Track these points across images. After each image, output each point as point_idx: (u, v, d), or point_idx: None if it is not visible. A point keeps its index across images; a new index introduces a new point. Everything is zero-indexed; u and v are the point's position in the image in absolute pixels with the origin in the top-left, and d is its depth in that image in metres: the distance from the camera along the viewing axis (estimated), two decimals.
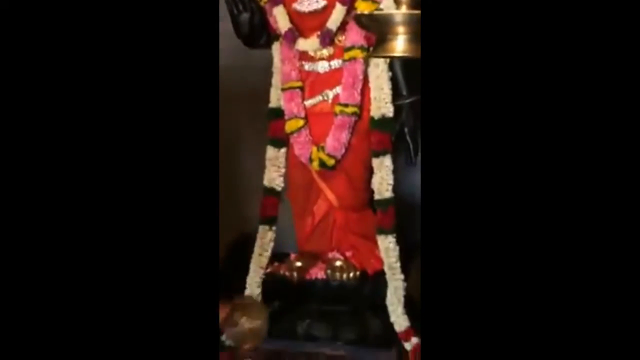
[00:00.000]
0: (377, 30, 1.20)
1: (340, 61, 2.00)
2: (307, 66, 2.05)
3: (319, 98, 2.05)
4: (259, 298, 2.11)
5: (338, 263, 2.11)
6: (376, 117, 1.99)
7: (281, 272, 2.14)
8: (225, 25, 2.03)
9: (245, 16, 2.02)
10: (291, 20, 2.01)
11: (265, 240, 2.14)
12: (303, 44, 2.01)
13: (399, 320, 2.00)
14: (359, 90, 1.99)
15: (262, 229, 2.14)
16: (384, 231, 2.03)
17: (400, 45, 1.11)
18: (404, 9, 1.11)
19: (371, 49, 1.90)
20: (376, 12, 1.36)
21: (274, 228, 2.14)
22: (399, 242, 2.04)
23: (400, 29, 1.11)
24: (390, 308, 2.01)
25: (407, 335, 1.99)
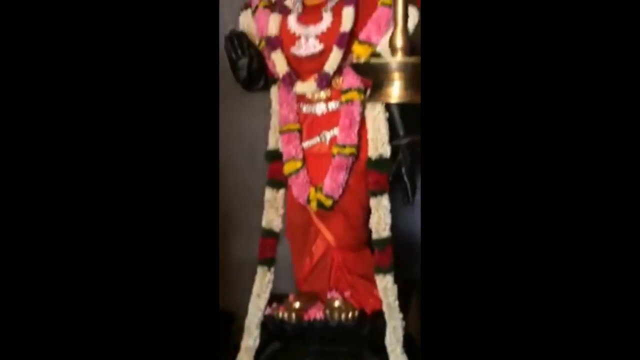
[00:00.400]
0: (373, 77, 1.22)
1: (337, 103, 2.03)
2: (305, 108, 2.07)
3: (316, 139, 2.07)
4: (258, 340, 2.11)
5: (337, 303, 2.10)
6: (373, 158, 2.01)
7: (280, 314, 2.13)
8: (224, 64, 2.07)
9: (243, 61, 2.04)
10: (289, 64, 2.03)
11: (263, 281, 2.13)
12: (301, 87, 2.03)
13: None
14: (356, 131, 2.00)
15: (260, 270, 2.14)
16: (382, 270, 2.03)
17: (396, 91, 1.12)
18: (399, 56, 1.13)
19: (368, 90, 1.93)
20: (372, 61, 1.38)
21: (272, 269, 2.15)
22: (397, 281, 2.04)
23: (396, 76, 1.12)
24: (389, 348, 2.00)
25: None
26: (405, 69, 1.11)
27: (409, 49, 1.15)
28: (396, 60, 1.12)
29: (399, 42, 1.14)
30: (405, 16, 1.15)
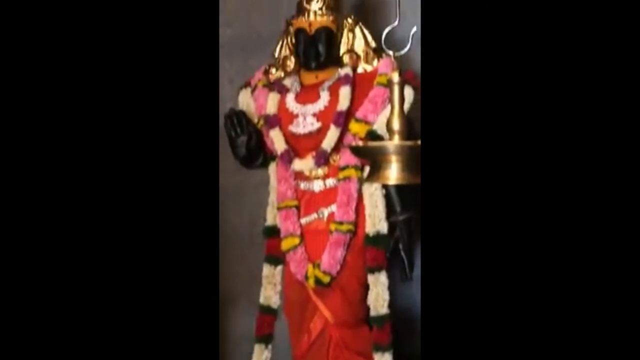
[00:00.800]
0: (370, 159, 1.23)
1: (335, 180, 2.05)
2: (302, 185, 2.09)
3: (314, 216, 2.07)
4: None
5: None
6: (371, 234, 2.01)
7: None
8: (223, 143, 2.09)
9: (242, 139, 2.07)
10: (287, 142, 2.06)
11: (260, 358, 2.11)
12: (299, 165, 2.05)
13: None
14: (353, 208, 2.01)
15: (257, 347, 2.12)
16: (380, 348, 2.01)
17: (393, 173, 1.14)
18: (396, 139, 1.15)
19: (365, 167, 1.95)
20: (370, 144, 1.41)
21: (269, 346, 2.13)
22: (396, 357, 2.01)
23: (393, 158, 1.13)
24: None
25: None
26: (402, 152, 1.13)
27: (406, 132, 1.17)
28: (393, 143, 1.14)
29: (396, 125, 1.16)
30: (402, 100, 1.18)
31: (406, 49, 1.21)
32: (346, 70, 2.05)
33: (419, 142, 1.13)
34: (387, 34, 1.23)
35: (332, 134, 2.00)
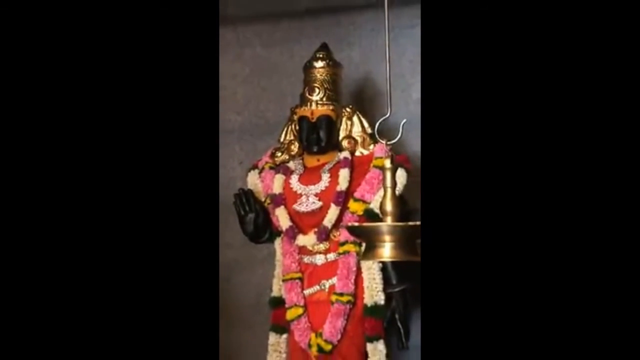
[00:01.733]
0: (365, 238, 1.24)
1: (335, 254, 2.04)
2: (306, 259, 2.08)
3: (316, 288, 2.06)
4: None
5: None
6: (369, 305, 1.99)
7: None
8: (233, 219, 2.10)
9: (250, 216, 2.08)
10: (291, 219, 2.07)
11: None
12: (302, 240, 2.05)
13: None
14: (352, 280, 2.01)
15: None
16: None
17: (387, 251, 1.13)
18: (389, 221, 1.15)
19: (363, 244, 1.95)
20: (365, 225, 1.41)
21: None
22: None
23: (387, 238, 1.13)
24: None
25: None
26: (394, 232, 1.13)
27: (399, 213, 1.18)
28: (386, 224, 1.14)
29: (389, 207, 1.16)
30: (394, 184, 1.18)
31: (397, 139, 1.23)
32: (345, 154, 2.08)
33: (410, 223, 1.14)
34: (381, 123, 1.25)
35: (333, 212, 2.01)
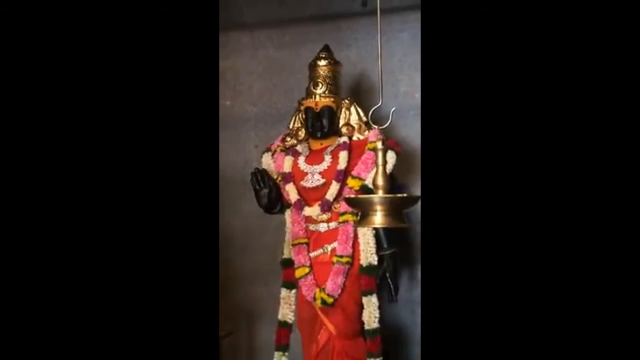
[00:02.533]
0: (360, 208, 1.25)
1: (336, 223, 2.05)
2: (311, 227, 2.09)
3: (320, 251, 2.07)
4: None
5: None
6: (364, 265, 2.01)
7: None
8: (250, 194, 2.11)
9: (265, 191, 2.09)
10: (299, 193, 2.08)
11: None
12: (308, 211, 2.07)
13: None
14: (350, 244, 2.02)
15: (277, 355, 2.10)
16: (372, 355, 1.99)
17: (379, 219, 1.14)
18: (380, 193, 1.16)
19: (359, 214, 1.96)
20: (360, 197, 1.42)
21: (286, 354, 2.11)
22: None
23: (378, 207, 1.14)
24: None
25: None
26: (385, 202, 1.14)
27: (388, 187, 1.19)
28: (378, 196, 1.16)
29: (380, 182, 1.17)
30: (385, 163, 1.19)
31: (387, 124, 1.24)
32: (344, 139, 2.09)
33: (398, 195, 1.15)
34: (373, 111, 1.25)
35: (334, 187, 2.02)
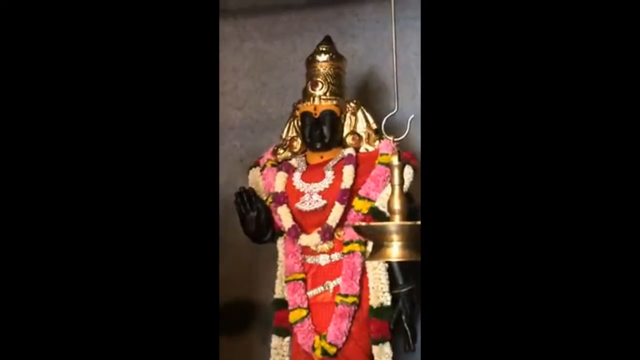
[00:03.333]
0: (373, 237, 1.23)
1: (339, 254, 2.03)
2: (309, 259, 2.07)
3: (320, 289, 2.05)
4: None
5: None
6: (375, 306, 1.99)
7: None
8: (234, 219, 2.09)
9: (252, 215, 2.07)
10: (294, 218, 2.06)
11: None
12: (305, 240, 2.05)
13: None
14: (357, 281, 2.00)
15: None
16: None
17: (395, 251, 1.13)
18: (397, 220, 1.15)
19: (368, 242, 1.94)
20: (372, 224, 1.41)
21: None
22: None
23: (395, 237, 1.13)
24: None
25: None
26: (402, 231, 1.13)
27: (406, 211, 1.17)
28: (394, 223, 1.14)
29: (397, 205, 1.16)
30: (402, 182, 1.18)
31: (405, 135, 1.22)
32: (349, 151, 2.08)
33: (419, 222, 1.13)
34: (387, 119, 1.24)
35: (337, 210, 2.00)
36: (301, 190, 2.07)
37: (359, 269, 2.00)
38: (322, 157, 2.11)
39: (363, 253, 2.00)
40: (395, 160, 1.17)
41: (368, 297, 2.00)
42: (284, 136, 2.21)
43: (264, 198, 2.13)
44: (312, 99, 2.08)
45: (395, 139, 1.23)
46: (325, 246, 2.04)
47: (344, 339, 1.98)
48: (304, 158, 2.15)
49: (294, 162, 2.14)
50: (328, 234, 2.01)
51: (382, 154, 2.03)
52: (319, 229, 2.02)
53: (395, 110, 1.22)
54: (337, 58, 2.12)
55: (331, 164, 2.07)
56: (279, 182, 2.10)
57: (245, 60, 2.68)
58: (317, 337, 2.00)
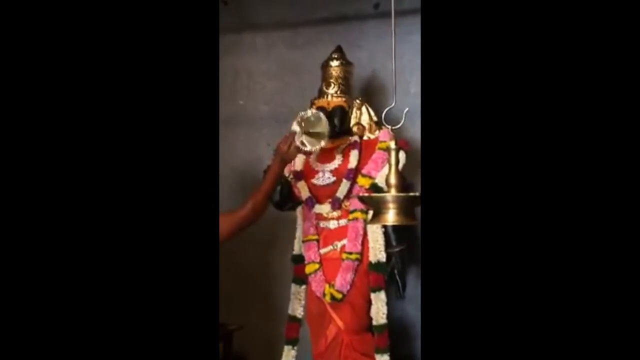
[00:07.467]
0: (373, 206, 1.24)
1: (346, 220, 2.04)
2: (321, 224, 2.09)
3: (330, 247, 2.06)
4: None
5: None
6: (373, 262, 2.00)
7: None
8: None
9: (277, 188, 2.07)
10: (310, 191, 2.07)
11: (288, 356, 2.09)
12: (319, 208, 2.06)
13: None
14: (360, 241, 2.01)
15: (286, 348, 2.10)
16: (380, 350, 1.98)
17: (391, 217, 1.14)
18: (393, 192, 1.16)
19: (369, 211, 1.95)
20: (373, 195, 1.41)
21: (295, 347, 2.10)
22: (392, 358, 1.98)
23: (391, 206, 1.14)
24: None
25: None
26: (397, 200, 1.14)
27: (401, 186, 1.18)
28: (391, 194, 1.15)
29: (393, 180, 1.17)
30: (397, 162, 1.19)
31: (400, 124, 1.23)
32: (355, 138, 2.07)
33: (410, 194, 1.15)
34: (387, 112, 1.25)
35: (344, 185, 2.01)
36: (316, 169, 2.07)
37: (361, 232, 2.01)
38: (333, 143, 2.09)
39: (365, 220, 2.00)
40: (392, 145, 1.18)
41: (368, 255, 2.01)
42: None
43: (287, 175, 2.13)
44: (326, 96, 2.07)
45: (393, 128, 1.24)
46: (335, 214, 2.05)
47: (349, 287, 2.00)
48: None
49: None
50: (337, 204, 2.02)
51: (381, 141, 2.03)
52: (330, 200, 2.03)
53: (393, 105, 1.23)
54: (346, 64, 2.11)
55: (340, 148, 2.08)
56: (299, 162, 2.10)
57: (272, 65, 2.68)
58: (327, 286, 2.02)
